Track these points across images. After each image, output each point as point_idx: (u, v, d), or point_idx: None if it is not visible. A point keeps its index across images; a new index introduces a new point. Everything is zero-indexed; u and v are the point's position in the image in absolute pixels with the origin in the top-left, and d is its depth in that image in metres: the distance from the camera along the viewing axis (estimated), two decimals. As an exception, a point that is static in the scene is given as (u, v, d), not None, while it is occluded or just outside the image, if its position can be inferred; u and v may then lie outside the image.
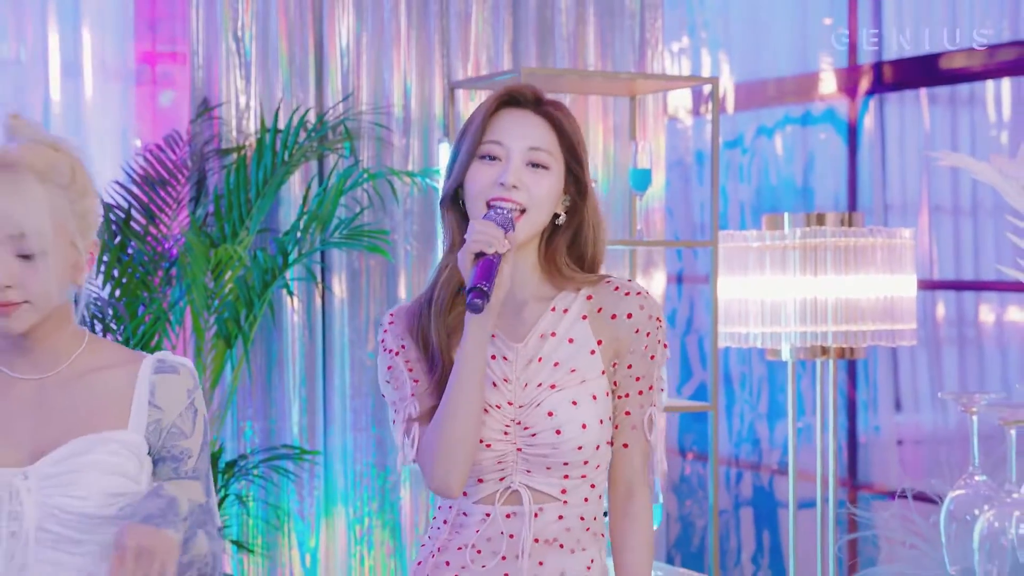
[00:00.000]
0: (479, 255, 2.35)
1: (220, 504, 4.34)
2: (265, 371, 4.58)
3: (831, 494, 4.33)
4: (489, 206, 2.42)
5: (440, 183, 4.65)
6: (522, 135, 2.43)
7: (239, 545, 4.49)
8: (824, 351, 4.26)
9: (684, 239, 5.99)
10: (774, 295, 4.23)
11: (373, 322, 4.79)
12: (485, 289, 2.31)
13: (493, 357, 2.47)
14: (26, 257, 2.22)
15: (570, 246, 2.54)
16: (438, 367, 2.48)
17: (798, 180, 5.82)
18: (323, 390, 4.72)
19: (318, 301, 4.69)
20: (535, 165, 2.43)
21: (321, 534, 4.74)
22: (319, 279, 4.64)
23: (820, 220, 4.21)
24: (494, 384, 2.46)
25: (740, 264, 4.30)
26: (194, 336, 4.21)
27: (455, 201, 2.50)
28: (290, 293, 4.51)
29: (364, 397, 4.76)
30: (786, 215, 4.24)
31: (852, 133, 5.60)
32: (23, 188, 2.24)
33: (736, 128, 6.04)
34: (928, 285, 5.19)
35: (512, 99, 2.47)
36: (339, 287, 4.69)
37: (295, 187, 4.58)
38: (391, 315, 2.58)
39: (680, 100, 6.17)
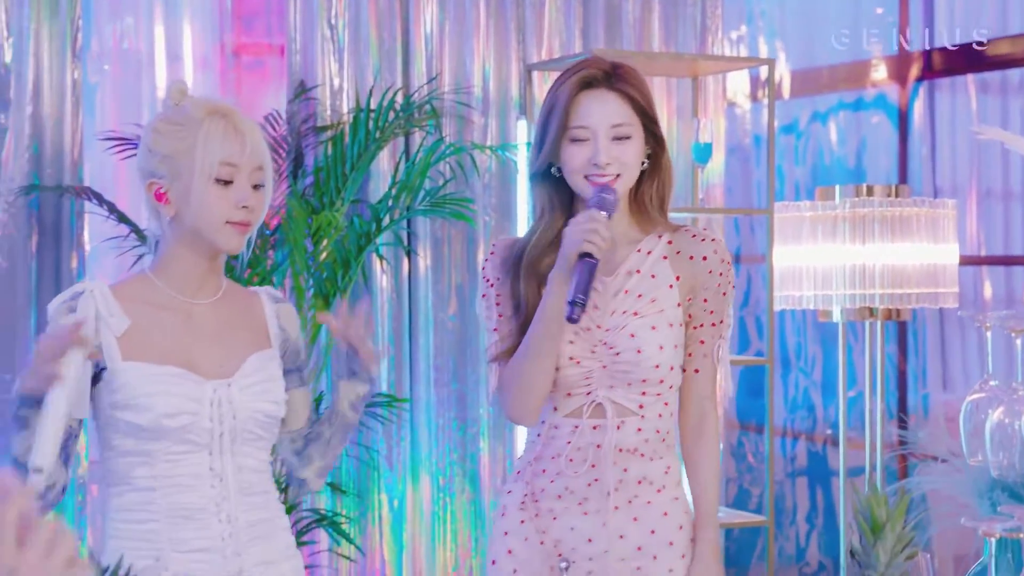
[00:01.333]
0: (584, 255, 2.75)
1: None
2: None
3: (879, 459, 4.64)
4: (588, 181, 2.80)
5: (519, 156, 5.05)
6: (603, 115, 2.82)
7: (333, 487, 4.90)
8: (872, 313, 4.59)
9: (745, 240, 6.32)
10: (825, 261, 4.57)
11: (455, 287, 5.17)
12: (582, 301, 2.72)
13: None
14: (257, 187, 2.63)
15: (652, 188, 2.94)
16: (522, 313, 2.87)
17: (850, 163, 6.09)
18: (409, 348, 5.11)
19: (405, 266, 5.09)
20: (619, 138, 2.83)
21: (407, 480, 5.13)
22: (406, 245, 5.04)
23: (869, 191, 4.55)
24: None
25: (794, 233, 4.64)
26: (294, 296, 4.61)
27: (547, 175, 2.89)
28: (380, 257, 4.91)
29: (446, 356, 5.15)
30: (837, 187, 4.58)
31: (903, 119, 5.87)
32: (257, 129, 2.67)
33: (791, 114, 6.33)
34: (975, 261, 5.46)
35: (587, 83, 2.85)
36: (424, 254, 5.08)
37: (383, 162, 4.97)
38: (494, 245, 2.98)
39: (738, 85, 6.47)
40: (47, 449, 2.35)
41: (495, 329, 2.94)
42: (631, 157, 2.83)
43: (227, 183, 2.62)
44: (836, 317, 4.63)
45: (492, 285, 2.96)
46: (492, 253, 2.99)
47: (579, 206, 2.87)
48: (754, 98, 6.46)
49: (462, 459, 5.17)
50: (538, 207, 2.92)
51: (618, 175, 2.81)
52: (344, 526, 4.87)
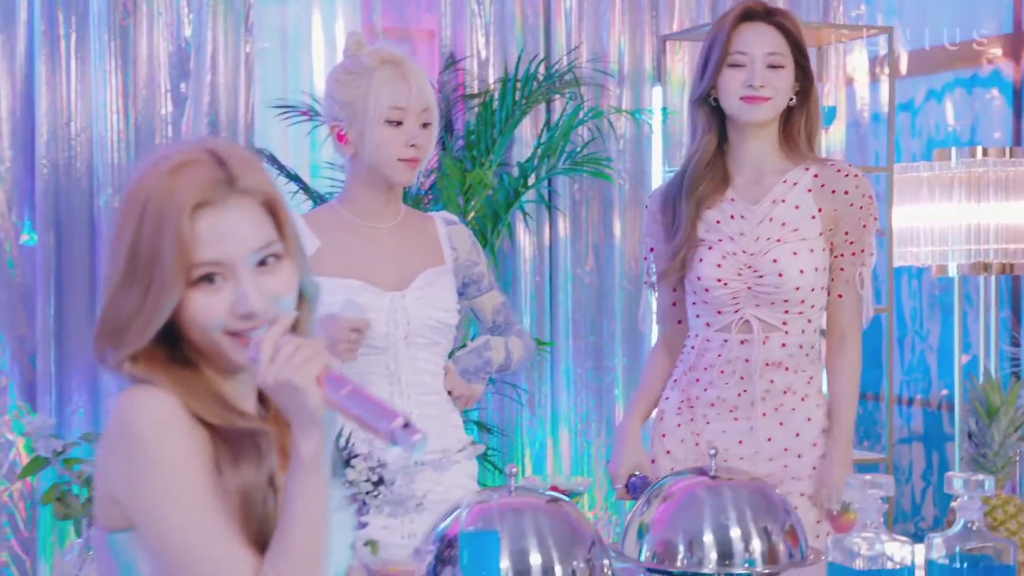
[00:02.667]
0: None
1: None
2: (503, 282, 5.37)
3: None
4: (743, 102, 3.16)
5: (654, 121, 5.39)
6: (760, 43, 3.17)
7: (480, 424, 5.29)
8: (986, 268, 4.88)
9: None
10: (942, 220, 4.87)
11: (591, 245, 5.53)
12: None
13: (732, 217, 3.21)
14: (425, 125, 3.03)
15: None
16: (680, 232, 3.24)
17: (964, 139, 6.33)
18: (549, 301, 5.49)
19: (547, 225, 5.47)
20: (773, 66, 3.18)
21: (547, 424, 5.50)
22: (548, 204, 5.42)
23: (984, 153, 4.85)
24: (731, 238, 3.20)
25: (912, 194, 4.95)
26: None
27: (705, 101, 3.25)
28: (524, 214, 5.30)
29: (584, 309, 5.52)
30: (953, 149, 4.88)
31: (1017, 95, 6.09)
32: (423, 74, 3.07)
33: (907, 92, 6.56)
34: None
35: (748, 15, 3.21)
36: (564, 213, 5.46)
37: (526, 129, 5.35)
38: (650, 198, 3.37)
39: (857, 62, 6.72)
40: None
41: (645, 259, 3.34)
42: (783, 84, 3.18)
43: (397, 124, 3.02)
44: (951, 272, 4.92)
45: (648, 235, 3.36)
46: (647, 206, 3.38)
47: (731, 130, 3.23)
48: (872, 77, 6.69)
49: (599, 406, 5.53)
50: (696, 129, 3.28)
51: (769, 98, 3.16)
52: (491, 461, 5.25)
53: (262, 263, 1.76)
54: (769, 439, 3.23)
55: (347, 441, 2.47)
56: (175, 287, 1.72)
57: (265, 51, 5.19)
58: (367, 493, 2.44)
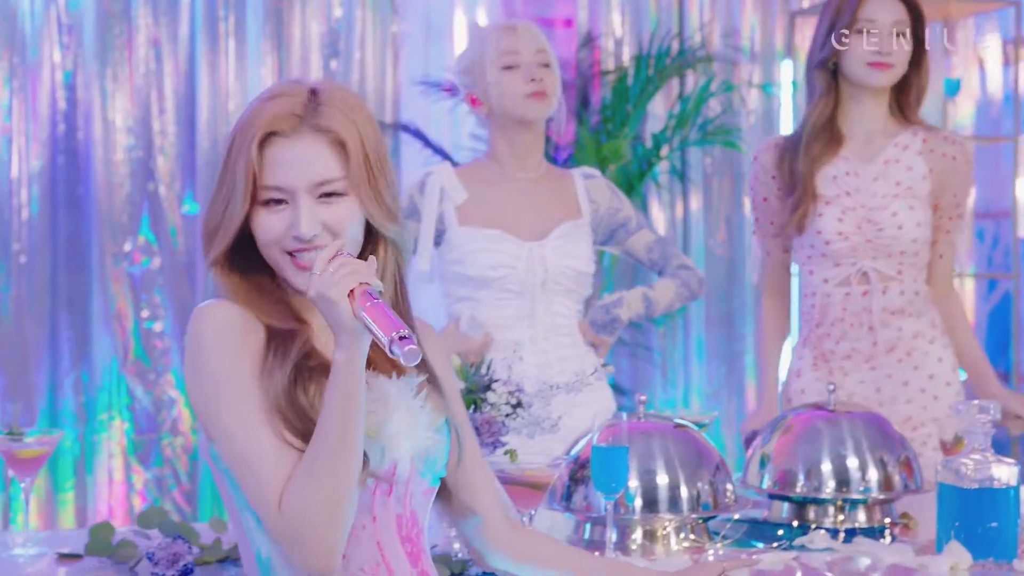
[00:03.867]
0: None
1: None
2: (635, 253, 5.58)
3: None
4: (870, 67, 3.32)
5: (783, 94, 5.54)
6: (888, 12, 3.34)
7: (613, 387, 5.49)
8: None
9: (989, 170, 6.67)
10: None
11: (723, 217, 5.71)
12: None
13: (847, 174, 3.38)
14: (544, 65, 3.26)
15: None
16: (799, 187, 3.41)
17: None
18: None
19: (679, 197, 5.65)
20: (898, 35, 3.34)
21: (678, 390, 5.69)
22: (681, 176, 5.60)
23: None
24: (848, 193, 3.37)
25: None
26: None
27: (824, 65, 3.41)
28: (657, 184, 5.50)
29: (716, 280, 5.69)
30: (1080, 118, 4.98)
31: None
32: (531, 25, 3.33)
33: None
34: None
35: None
36: (698, 186, 5.64)
37: (658, 104, 5.54)
38: (759, 152, 3.53)
39: (988, 38, 6.76)
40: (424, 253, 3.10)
41: (754, 210, 3.53)
42: (905, 55, 3.35)
43: (514, 67, 3.26)
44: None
45: (753, 188, 3.54)
46: (755, 158, 3.55)
47: (847, 93, 3.40)
48: (1005, 61, 6.74)
49: (729, 374, 5.70)
50: (815, 91, 3.44)
51: (893, 65, 3.33)
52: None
53: (325, 196, 1.96)
54: (905, 383, 3.41)
55: (488, 367, 2.69)
56: (243, 203, 1.94)
57: (409, 35, 5.43)
58: (506, 416, 2.65)
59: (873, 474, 2.89)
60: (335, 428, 1.86)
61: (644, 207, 5.56)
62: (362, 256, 1.98)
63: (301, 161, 1.93)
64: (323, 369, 1.94)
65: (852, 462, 2.89)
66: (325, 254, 1.88)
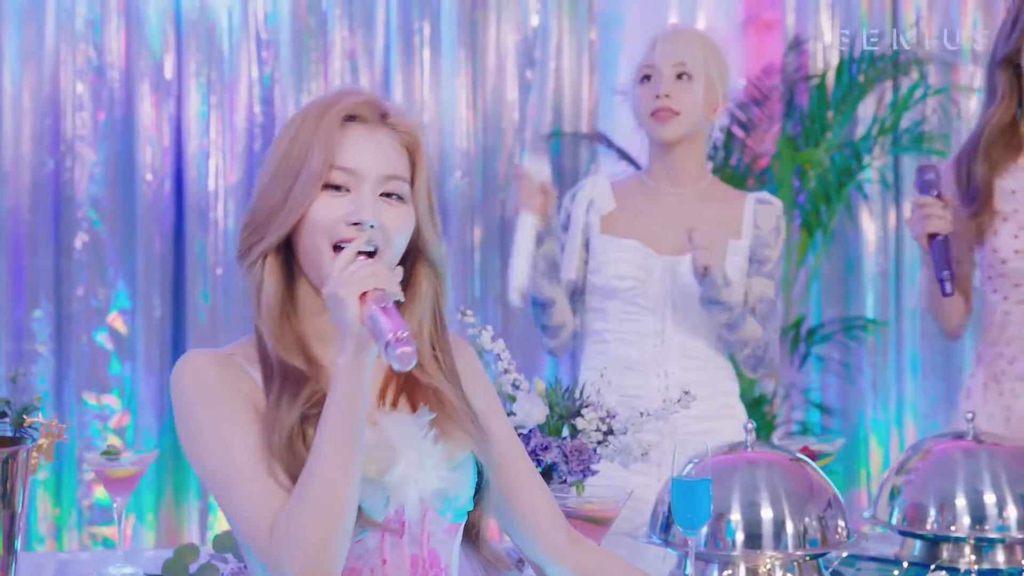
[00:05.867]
0: (932, 236, 3.06)
1: (802, 362, 5.14)
2: (844, 264, 5.36)
3: None
4: None
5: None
6: None
7: (820, 408, 5.28)
8: None
9: None
10: None
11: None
12: (950, 276, 3.04)
13: None
14: (680, 76, 3.13)
15: None
16: (976, 200, 3.17)
17: None
18: (895, 283, 5.40)
19: (892, 207, 5.38)
20: None
21: (890, 408, 5.43)
22: (888, 185, 5.33)
23: None
24: None
25: None
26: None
27: (1009, 62, 3.16)
28: (863, 196, 5.26)
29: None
30: None
31: None
32: (681, 36, 3.19)
33: None
34: None
35: None
36: (910, 197, 5.35)
37: (869, 108, 5.28)
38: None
39: None
40: (517, 270, 2.97)
41: None
42: None
43: (647, 80, 3.14)
44: None
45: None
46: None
47: None
48: None
49: (947, 391, 5.41)
50: (996, 91, 3.20)
51: None
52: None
53: (387, 196, 1.91)
54: None
55: (580, 391, 2.58)
56: (316, 183, 1.89)
57: (607, 42, 5.33)
58: (598, 443, 2.53)
59: (1013, 511, 2.68)
60: (331, 445, 1.79)
61: (851, 217, 5.32)
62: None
63: (378, 150, 1.92)
64: None
65: (989, 497, 2.69)
66: (346, 253, 1.83)
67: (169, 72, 4.97)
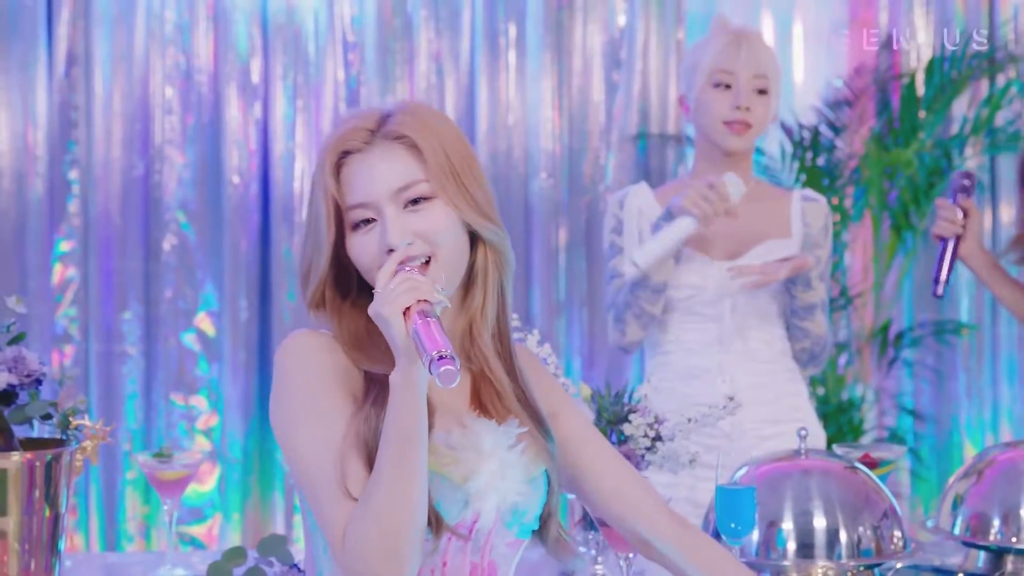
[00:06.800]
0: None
1: (890, 366, 5.04)
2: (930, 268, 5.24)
3: None
4: None
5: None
6: None
7: (913, 413, 5.17)
8: None
9: None
10: None
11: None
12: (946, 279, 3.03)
13: None
14: (761, 92, 3.06)
15: None
16: None
17: None
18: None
19: (988, 207, 5.24)
20: None
21: (985, 414, 5.30)
22: (983, 185, 5.20)
23: None
24: None
25: None
26: (872, 230, 4.95)
27: None
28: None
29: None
30: None
31: None
32: (759, 42, 3.10)
33: None
34: None
35: None
36: (1006, 197, 5.23)
37: (963, 106, 5.16)
38: None
39: None
40: (651, 252, 2.91)
41: None
42: None
43: (725, 87, 3.05)
44: None
45: None
46: None
47: None
48: None
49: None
50: None
51: None
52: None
53: (412, 203, 1.88)
54: None
55: (629, 397, 2.54)
56: (328, 231, 1.89)
57: (696, 40, 5.27)
58: (646, 449, 2.50)
59: (1080, 522, 2.59)
60: (391, 455, 1.79)
61: (944, 219, 5.20)
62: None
63: (377, 170, 1.89)
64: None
65: (1056, 508, 2.61)
66: (386, 269, 1.82)
67: (256, 75, 5.00)
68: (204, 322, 5.00)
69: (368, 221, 1.89)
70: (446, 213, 1.90)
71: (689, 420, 2.50)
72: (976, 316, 5.27)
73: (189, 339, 4.99)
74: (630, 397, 2.54)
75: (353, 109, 1.97)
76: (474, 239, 1.94)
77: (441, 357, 1.71)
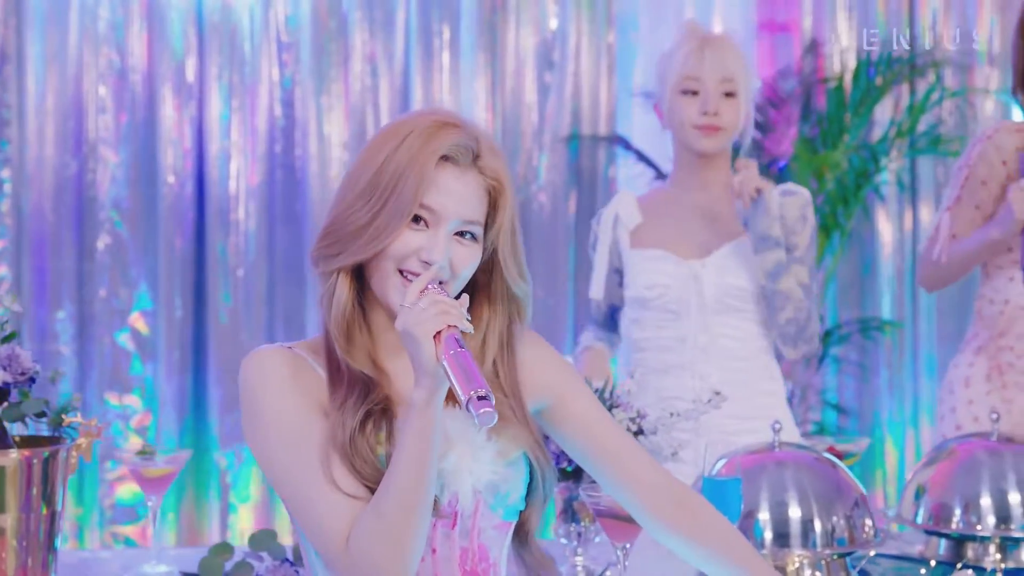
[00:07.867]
0: None
1: (820, 364, 5.17)
2: (861, 265, 5.38)
3: None
4: None
5: None
6: None
7: (836, 408, 5.30)
8: None
9: None
10: None
11: (956, 229, 5.44)
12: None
13: None
14: (728, 95, 3.12)
15: None
16: None
17: None
18: (910, 284, 5.42)
19: (908, 209, 5.40)
20: None
21: (906, 410, 5.45)
22: (903, 186, 5.35)
23: None
24: None
25: None
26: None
27: None
28: (879, 197, 5.28)
29: (948, 295, 5.40)
30: None
31: None
32: (726, 47, 3.15)
33: None
34: None
35: None
36: (927, 196, 5.39)
37: (886, 110, 5.31)
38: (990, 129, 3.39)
39: None
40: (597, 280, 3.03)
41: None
42: None
43: (693, 93, 3.12)
44: None
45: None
46: (988, 137, 3.34)
47: None
48: None
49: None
50: None
51: None
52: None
53: (461, 234, 1.96)
54: None
55: (611, 392, 2.61)
56: (406, 215, 1.93)
57: (626, 43, 5.36)
58: (628, 442, 2.56)
59: (1037, 510, 2.70)
60: (406, 468, 1.85)
61: (868, 219, 5.34)
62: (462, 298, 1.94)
63: (464, 195, 1.96)
64: (391, 416, 1.96)
65: (1014, 497, 2.71)
66: (416, 285, 1.88)
67: (191, 74, 5.00)
68: (139, 321, 5.00)
69: (418, 220, 1.94)
70: (476, 255, 1.98)
71: (672, 415, 2.57)
72: (898, 314, 5.42)
73: (123, 338, 4.98)
74: (612, 392, 2.60)
75: (443, 110, 1.97)
76: (495, 287, 2.03)
77: (480, 398, 1.76)
